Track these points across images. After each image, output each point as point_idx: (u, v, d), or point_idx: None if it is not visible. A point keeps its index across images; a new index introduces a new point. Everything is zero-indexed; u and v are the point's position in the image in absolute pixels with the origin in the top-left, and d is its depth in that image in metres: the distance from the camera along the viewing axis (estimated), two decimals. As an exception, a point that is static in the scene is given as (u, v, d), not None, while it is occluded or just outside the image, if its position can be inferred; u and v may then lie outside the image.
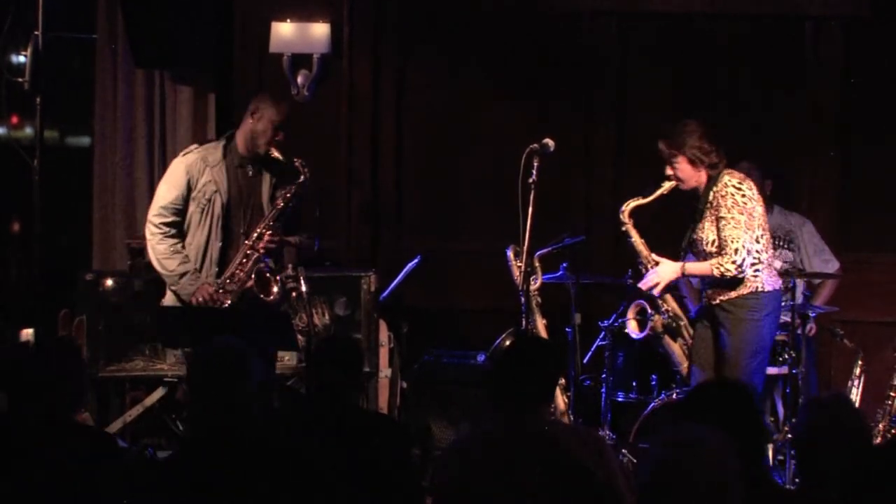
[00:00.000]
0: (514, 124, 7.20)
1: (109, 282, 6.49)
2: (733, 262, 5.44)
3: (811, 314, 6.36)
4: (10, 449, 3.70)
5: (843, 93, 7.23)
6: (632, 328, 5.99)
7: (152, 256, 5.60)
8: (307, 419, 4.28)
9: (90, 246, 7.24)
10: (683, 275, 5.68)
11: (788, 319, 6.08)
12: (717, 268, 5.47)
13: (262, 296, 5.48)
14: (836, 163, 7.27)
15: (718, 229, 5.50)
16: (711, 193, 5.55)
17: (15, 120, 7.15)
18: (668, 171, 5.64)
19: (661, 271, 5.65)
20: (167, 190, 5.60)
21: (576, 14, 7.33)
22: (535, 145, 5.70)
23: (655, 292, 5.69)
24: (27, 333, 6.66)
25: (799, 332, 6.16)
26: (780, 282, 5.70)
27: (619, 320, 6.14)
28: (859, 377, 6.40)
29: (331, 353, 4.35)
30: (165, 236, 5.55)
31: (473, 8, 7.39)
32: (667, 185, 5.65)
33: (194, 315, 5.44)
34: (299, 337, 5.57)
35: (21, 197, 6.61)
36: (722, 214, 5.49)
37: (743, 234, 5.46)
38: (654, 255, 5.70)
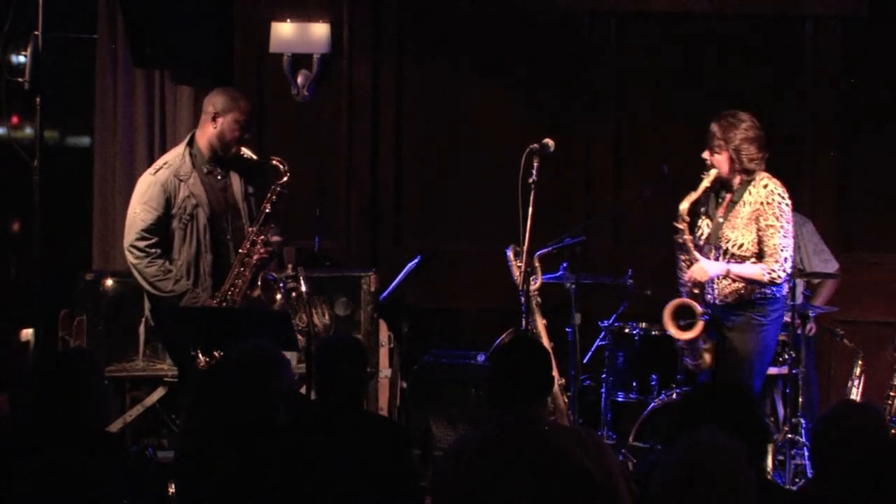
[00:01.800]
0: (514, 124, 7.20)
1: (109, 282, 6.49)
2: (784, 271, 5.41)
3: (811, 314, 6.37)
4: (23, 453, 3.72)
5: (843, 93, 7.24)
6: (676, 333, 5.56)
7: (142, 281, 5.40)
8: (307, 419, 4.29)
9: (90, 246, 7.24)
10: (727, 275, 5.48)
11: (788, 319, 6.07)
12: (769, 273, 5.40)
13: (267, 304, 5.46)
14: (836, 163, 7.27)
15: (765, 236, 5.42)
16: (749, 193, 5.48)
17: (15, 120, 7.15)
18: (706, 156, 5.52)
19: (702, 269, 5.47)
20: (145, 211, 5.39)
21: (575, 14, 7.33)
22: (535, 145, 5.69)
23: (694, 289, 5.53)
24: (27, 333, 6.66)
25: (799, 332, 6.16)
26: (786, 288, 5.65)
27: (616, 313, 6.08)
28: (859, 377, 6.40)
29: (339, 353, 4.36)
30: (153, 258, 5.36)
31: (473, 8, 7.39)
32: (708, 177, 5.50)
33: (194, 315, 5.42)
34: (299, 337, 5.56)
35: (21, 197, 6.61)
36: (770, 223, 5.42)
37: (790, 241, 5.45)
38: (696, 253, 5.54)
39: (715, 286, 5.56)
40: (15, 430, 4.09)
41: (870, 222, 7.27)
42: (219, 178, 5.53)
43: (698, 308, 5.51)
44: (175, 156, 5.53)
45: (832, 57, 7.24)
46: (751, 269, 5.45)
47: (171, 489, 4.56)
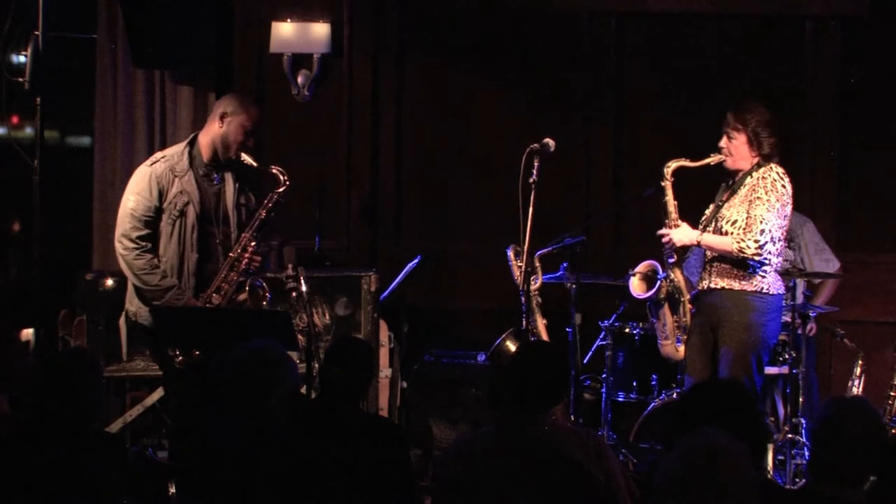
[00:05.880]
0: (513, 124, 7.20)
1: (109, 282, 6.49)
2: (755, 241, 5.32)
3: (811, 314, 6.36)
4: (25, 453, 3.73)
5: (843, 93, 7.24)
6: (634, 287, 5.76)
7: (129, 272, 5.39)
8: (308, 420, 4.29)
9: (90, 246, 7.24)
10: (699, 244, 5.52)
11: (788, 319, 6.07)
12: (738, 243, 5.34)
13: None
14: (836, 163, 7.27)
15: (750, 208, 5.39)
16: (749, 177, 5.47)
17: (15, 120, 7.15)
18: (722, 144, 5.53)
19: (678, 232, 5.53)
20: (137, 201, 5.38)
21: (575, 14, 7.33)
22: (535, 145, 5.69)
23: (666, 246, 5.58)
24: (27, 333, 6.66)
25: (799, 332, 6.15)
26: (784, 286, 5.64)
27: (616, 313, 6.07)
28: (859, 377, 6.40)
29: (332, 356, 4.36)
30: (143, 251, 5.36)
31: (473, 8, 7.39)
32: (715, 157, 5.53)
33: (193, 314, 5.40)
34: (299, 337, 5.56)
35: (21, 197, 6.61)
36: (759, 195, 5.39)
37: (774, 218, 5.36)
38: (678, 220, 5.57)
39: (712, 270, 5.54)
40: (15, 430, 4.09)
41: (870, 222, 7.27)
42: (214, 182, 5.51)
43: (658, 268, 5.58)
44: (174, 152, 5.52)
45: (832, 57, 7.24)
46: (722, 240, 5.44)
47: (171, 489, 4.56)
